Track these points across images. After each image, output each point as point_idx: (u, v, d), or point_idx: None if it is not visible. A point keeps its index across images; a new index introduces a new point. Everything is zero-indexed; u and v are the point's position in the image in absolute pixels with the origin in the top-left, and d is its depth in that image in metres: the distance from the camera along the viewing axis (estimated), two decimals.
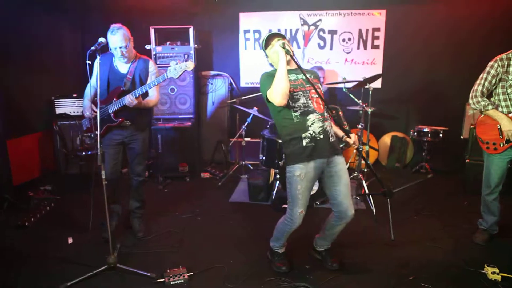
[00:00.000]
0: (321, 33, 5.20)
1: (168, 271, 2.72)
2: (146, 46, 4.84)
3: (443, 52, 4.96)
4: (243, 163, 4.87)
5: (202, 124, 5.42)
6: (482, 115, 3.06)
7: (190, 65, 2.97)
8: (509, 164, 3.03)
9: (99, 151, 2.64)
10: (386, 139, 5.32)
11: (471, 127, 4.33)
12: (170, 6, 5.08)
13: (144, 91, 3.00)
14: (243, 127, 4.68)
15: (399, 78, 5.12)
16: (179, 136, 4.77)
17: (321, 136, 2.42)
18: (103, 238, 3.17)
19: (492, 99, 3.00)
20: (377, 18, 5.05)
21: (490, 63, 2.94)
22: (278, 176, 4.06)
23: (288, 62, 2.41)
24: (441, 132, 4.70)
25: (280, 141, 4.32)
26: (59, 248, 3.15)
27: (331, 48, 5.23)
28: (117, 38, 2.96)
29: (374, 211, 3.74)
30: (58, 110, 4.68)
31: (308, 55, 5.29)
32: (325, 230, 2.83)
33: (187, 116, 4.96)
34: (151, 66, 3.19)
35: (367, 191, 3.93)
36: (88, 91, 3.18)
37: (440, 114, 4.97)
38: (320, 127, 2.42)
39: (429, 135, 4.73)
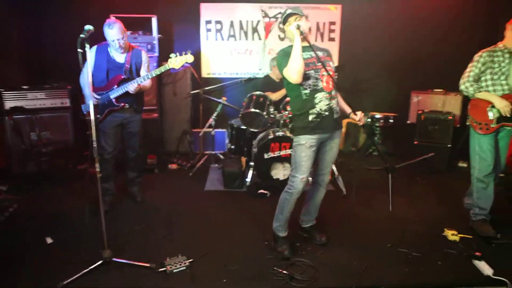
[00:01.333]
0: (281, 25, 5.39)
1: (168, 259, 2.75)
2: None
3: (391, 46, 5.46)
4: (213, 152, 4.93)
5: (165, 115, 5.35)
6: (472, 100, 3.32)
7: (190, 57, 3.34)
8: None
9: (94, 143, 2.60)
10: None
11: (419, 112, 4.87)
12: None
13: (148, 78, 3.39)
14: (213, 117, 4.74)
15: (353, 69, 5.54)
16: (145, 128, 4.66)
17: (327, 113, 2.67)
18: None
19: (480, 85, 3.25)
20: (333, 12, 5.39)
21: (478, 55, 3.22)
22: (252, 164, 4.21)
23: (302, 40, 2.59)
24: (391, 118, 5.22)
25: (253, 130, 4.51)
26: (42, 248, 3.00)
27: None
28: (114, 31, 3.28)
29: (344, 191, 4.10)
30: (8, 104, 4.31)
31: (269, 46, 5.48)
32: (308, 203, 3.08)
33: (151, 107, 4.88)
34: (144, 55, 3.57)
35: (336, 173, 4.26)
36: (86, 80, 3.30)
37: (390, 101, 5.51)
38: (327, 105, 2.67)
39: (381, 120, 5.22)
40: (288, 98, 4.37)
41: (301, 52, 2.55)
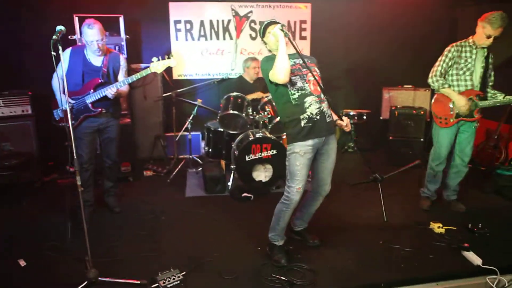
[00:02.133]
0: (252, 24, 5.33)
1: (160, 274, 2.58)
2: (70, 36, 4.34)
3: (361, 43, 5.54)
4: (190, 156, 4.76)
5: (136, 120, 5.09)
6: (436, 95, 3.51)
7: (174, 62, 3.25)
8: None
9: (74, 154, 2.38)
10: None
11: (393, 108, 4.99)
12: None
13: (127, 83, 3.23)
14: (189, 120, 4.56)
15: (324, 67, 5.53)
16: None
17: (318, 117, 2.58)
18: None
19: (447, 79, 3.42)
20: (303, 11, 5.38)
21: (447, 49, 3.37)
22: (234, 166, 4.10)
23: (287, 45, 2.52)
24: (365, 114, 5.31)
25: (232, 132, 4.40)
26: (16, 272, 2.71)
27: None
28: (94, 31, 3.08)
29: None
30: None
31: (240, 46, 5.37)
32: (303, 209, 3.01)
33: (123, 112, 4.58)
34: (122, 60, 3.42)
35: None
36: (59, 84, 3.18)
37: (361, 98, 5.60)
38: (317, 108, 2.58)
39: (355, 117, 5.29)
40: (265, 99, 4.32)
41: (286, 51, 2.46)
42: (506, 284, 2.70)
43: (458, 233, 3.21)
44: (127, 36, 4.60)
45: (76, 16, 4.35)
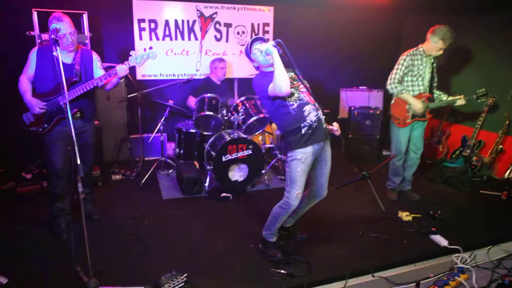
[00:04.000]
0: (217, 25, 5.36)
1: (163, 278, 2.58)
2: (28, 32, 4.02)
3: (320, 46, 5.82)
4: (162, 158, 4.67)
5: (99, 122, 4.85)
6: (394, 99, 3.91)
7: (154, 53, 3.12)
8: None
9: (78, 160, 2.28)
10: (274, 125, 5.97)
11: (352, 108, 5.37)
12: None
13: (112, 75, 3.06)
14: (161, 121, 4.48)
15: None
16: None
17: (316, 124, 2.71)
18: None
19: (402, 84, 3.81)
20: (266, 14, 5.54)
21: (402, 57, 3.75)
22: (211, 167, 4.13)
23: (264, 66, 2.73)
24: (325, 114, 5.61)
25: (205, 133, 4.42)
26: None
27: (227, 41, 5.46)
28: (65, 24, 2.90)
29: None
30: None
31: (205, 46, 5.37)
32: (297, 209, 3.08)
33: None
34: (94, 54, 3.24)
35: None
36: (27, 86, 3.00)
37: (320, 98, 5.89)
38: (315, 116, 2.72)
39: None
40: (238, 101, 4.41)
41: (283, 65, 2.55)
42: (468, 260, 3.13)
43: (423, 220, 3.62)
44: (91, 34, 4.38)
45: (35, 10, 4.04)
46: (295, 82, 2.76)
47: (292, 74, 2.78)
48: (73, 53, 3.07)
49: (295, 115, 2.69)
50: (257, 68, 2.86)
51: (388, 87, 3.84)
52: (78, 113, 3.12)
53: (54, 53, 2.60)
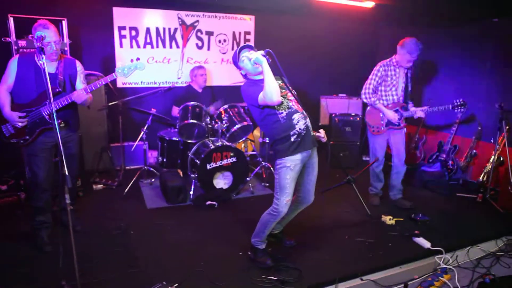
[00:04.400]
0: (199, 33, 5.36)
1: None
2: (4, 39, 3.90)
3: (300, 54, 5.93)
4: (145, 167, 4.59)
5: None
6: (369, 107, 4.04)
7: (141, 64, 3.07)
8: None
9: (66, 170, 2.22)
10: (256, 132, 6.00)
11: (333, 115, 5.47)
12: None
13: (93, 89, 2.99)
14: (144, 130, 4.42)
15: None
16: None
17: (305, 132, 2.75)
18: None
19: (377, 93, 3.94)
20: (247, 23, 5.60)
21: (376, 68, 3.89)
22: (195, 175, 4.10)
23: (253, 74, 2.78)
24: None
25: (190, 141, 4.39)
26: None
27: (208, 49, 5.47)
28: (51, 31, 2.84)
29: None
30: None
31: (187, 54, 5.36)
32: (285, 216, 3.09)
33: None
34: (78, 65, 3.17)
35: None
36: (5, 99, 2.87)
37: (302, 106, 6.00)
38: (304, 124, 2.76)
39: None
40: (222, 109, 4.41)
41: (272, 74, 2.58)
42: (450, 260, 3.25)
43: (405, 223, 3.73)
44: (70, 41, 4.29)
45: (11, 16, 3.93)
46: (283, 90, 2.79)
47: (280, 82, 2.81)
48: (56, 62, 2.99)
49: (284, 124, 2.71)
50: (245, 76, 2.87)
51: (363, 96, 3.96)
52: (63, 123, 3.04)
53: (39, 62, 2.53)
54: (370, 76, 3.92)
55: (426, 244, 3.30)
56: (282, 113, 2.72)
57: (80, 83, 3.14)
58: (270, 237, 3.26)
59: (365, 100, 3.96)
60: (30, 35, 4.13)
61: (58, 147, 2.99)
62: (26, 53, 3.01)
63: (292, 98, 2.82)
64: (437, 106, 3.92)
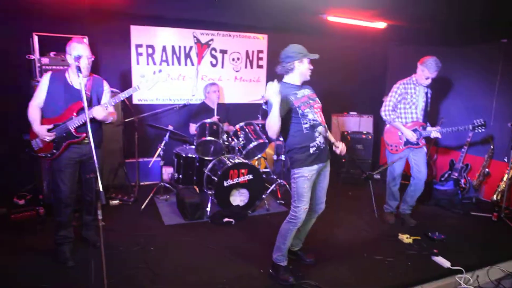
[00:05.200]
0: (213, 51, 5.47)
1: None
2: (28, 56, 3.98)
3: (312, 73, 5.98)
4: (161, 184, 4.62)
5: None
6: (387, 126, 4.08)
7: (164, 76, 3.15)
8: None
9: (100, 187, 2.27)
10: (268, 149, 6.05)
11: (345, 133, 5.53)
12: (54, 11, 4.25)
13: (115, 103, 3.08)
14: (161, 146, 4.46)
15: None
16: None
17: (324, 145, 2.87)
18: None
19: (396, 111, 3.98)
20: (260, 41, 5.72)
21: (396, 85, 3.94)
22: (213, 192, 4.13)
23: (299, 78, 2.90)
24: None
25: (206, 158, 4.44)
26: None
27: (222, 67, 5.57)
28: (84, 47, 3.00)
29: None
30: None
31: (201, 72, 5.46)
32: (300, 227, 3.11)
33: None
34: (106, 84, 3.27)
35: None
36: (37, 115, 2.96)
37: None
38: (324, 137, 2.85)
39: None
40: (238, 127, 4.48)
41: (278, 115, 2.62)
42: (471, 280, 3.25)
43: (422, 241, 3.74)
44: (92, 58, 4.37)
45: (36, 34, 4.02)
46: (311, 101, 2.88)
47: (309, 91, 2.93)
48: (85, 79, 3.08)
49: (307, 134, 2.81)
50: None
51: (382, 114, 4.01)
52: (87, 139, 3.08)
53: (79, 79, 2.59)
54: (390, 94, 3.97)
55: (446, 263, 3.31)
56: (306, 123, 2.80)
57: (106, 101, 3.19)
58: (291, 254, 3.28)
59: (384, 118, 4.01)
60: (52, 52, 4.24)
61: (82, 164, 3.16)
62: (57, 70, 3.14)
63: (318, 110, 2.89)
64: (456, 127, 3.90)
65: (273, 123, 2.65)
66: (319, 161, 2.85)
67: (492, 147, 4.85)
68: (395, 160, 4.04)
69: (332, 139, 3.04)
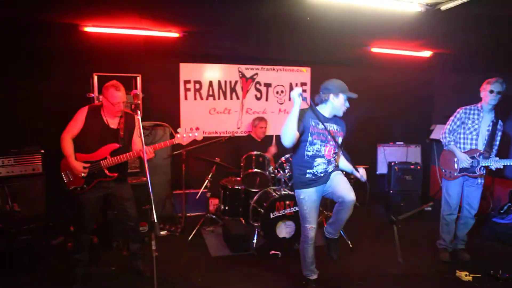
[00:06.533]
0: (257, 85, 5.64)
1: None
2: (87, 94, 4.31)
3: (356, 104, 5.96)
4: (208, 215, 4.69)
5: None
6: (444, 150, 3.93)
7: (200, 136, 3.27)
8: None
9: (155, 218, 2.36)
10: None
11: (392, 164, 5.39)
12: (113, 53, 4.64)
13: (160, 148, 3.20)
14: (209, 178, 4.57)
15: None
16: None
17: (322, 175, 2.97)
18: None
19: (456, 136, 3.84)
20: (304, 74, 5.83)
21: (457, 111, 3.83)
22: (259, 224, 4.12)
23: (329, 111, 3.02)
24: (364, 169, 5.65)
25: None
26: None
27: (266, 100, 5.71)
28: (122, 93, 3.11)
29: (349, 242, 4.23)
30: None
31: (246, 105, 5.61)
32: (334, 215, 3.06)
33: (135, 170, 4.55)
34: (137, 120, 3.20)
35: None
36: (71, 149, 3.07)
37: (357, 154, 5.95)
38: (324, 169, 2.97)
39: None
40: (283, 158, 4.50)
41: (296, 116, 2.76)
42: None
43: (484, 280, 3.47)
44: (143, 95, 4.66)
45: (96, 75, 4.36)
46: (328, 137, 2.94)
47: (335, 127, 3.02)
48: (118, 118, 3.20)
49: (306, 160, 2.96)
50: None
51: (441, 136, 3.94)
52: (116, 176, 3.18)
53: (137, 117, 2.72)
54: (451, 118, 3.87)
55: None
56: (309, 151, 2.94)
57: (136, 136, 3.28)
58: (324, 239, 3.23)
59: (442, 140, 3.92)
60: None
61: (108, 196, 3.24)
62: (95, 106, 3.24)
63: (329, 145, 2.94)
64: None
65: (290, 127, 2.75)
66: (316, 184, 2.98)
67: None
68: (425, 206, 3.88)
69: (349, 167, 3.11)
